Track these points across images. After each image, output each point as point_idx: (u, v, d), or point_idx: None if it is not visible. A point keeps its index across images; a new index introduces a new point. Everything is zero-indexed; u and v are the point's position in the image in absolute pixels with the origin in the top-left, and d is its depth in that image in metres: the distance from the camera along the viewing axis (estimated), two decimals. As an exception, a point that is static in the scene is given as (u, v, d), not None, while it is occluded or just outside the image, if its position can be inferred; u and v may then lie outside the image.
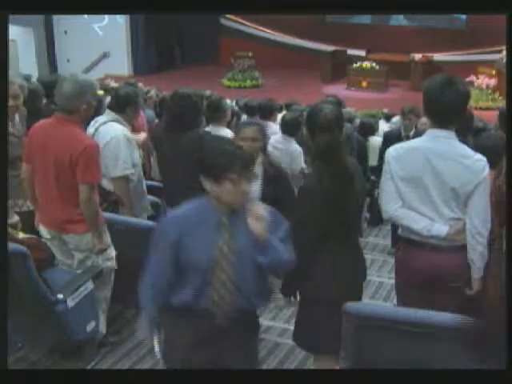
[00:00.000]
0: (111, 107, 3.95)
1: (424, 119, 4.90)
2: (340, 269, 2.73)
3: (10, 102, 3.56)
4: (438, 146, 2.64)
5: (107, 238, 3.38)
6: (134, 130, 4.29)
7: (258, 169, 3.26)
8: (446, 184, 2.62)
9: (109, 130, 3.81)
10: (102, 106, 4.28)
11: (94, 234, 3.27)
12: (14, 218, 3.59)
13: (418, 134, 4.52)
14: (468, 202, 2.64)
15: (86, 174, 3.13)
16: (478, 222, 2.64)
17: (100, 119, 3.89)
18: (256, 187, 3.16)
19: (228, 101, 6.20)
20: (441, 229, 2.67)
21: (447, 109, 2.60)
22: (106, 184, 3.80)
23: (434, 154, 2.63)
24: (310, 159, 2.83)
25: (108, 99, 4.77)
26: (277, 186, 3.27)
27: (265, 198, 2.97)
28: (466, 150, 2.67)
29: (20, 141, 3.73)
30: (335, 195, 2.61)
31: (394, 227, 4.82)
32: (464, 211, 2.67)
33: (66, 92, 3.13)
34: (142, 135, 4.60)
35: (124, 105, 3.88)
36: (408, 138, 5.32)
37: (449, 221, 2.68)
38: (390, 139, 5.46)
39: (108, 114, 3.91)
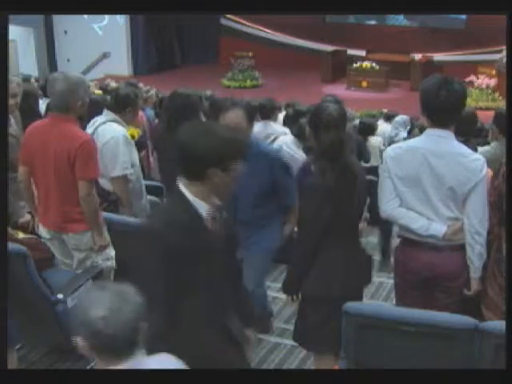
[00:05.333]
0: (110, 107, 3.95)
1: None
2: (341, 268, 2.73)
3: (10, 101, 3.56)
4: (436, 146, 2.64)
5: (107, 237, 3.38)
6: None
7: None
8: (443, 183, 2.62)
9: (108, 130, 3.81)
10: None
11: (94, 230, 3.28)
12: (26, 217, 3.63)
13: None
14: (466, 201, 2.64)
15: (84, 169, 3.15)
16: (476, 221, 2.63)
17: (99, 119, 3.89)
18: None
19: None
20: (439, 228, 2.67)
21: (444, 108, 2.60)
22: (106, 184, 3.80)
23: (432, 154, 2.63)
24: (312, 158, 2.81)
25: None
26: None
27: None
28: (464, 150, 2.67)
29: (18, 142, 3.72)
30: (339, 193, 2.62)
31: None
32: (462, 211, 2.66)
33: (58, 91, 3.15)
34: None
35: (123, 105, 3.88)
36: None
37: (447, 220, 2.67)
38: None
39: (107, 114, 3.91)
